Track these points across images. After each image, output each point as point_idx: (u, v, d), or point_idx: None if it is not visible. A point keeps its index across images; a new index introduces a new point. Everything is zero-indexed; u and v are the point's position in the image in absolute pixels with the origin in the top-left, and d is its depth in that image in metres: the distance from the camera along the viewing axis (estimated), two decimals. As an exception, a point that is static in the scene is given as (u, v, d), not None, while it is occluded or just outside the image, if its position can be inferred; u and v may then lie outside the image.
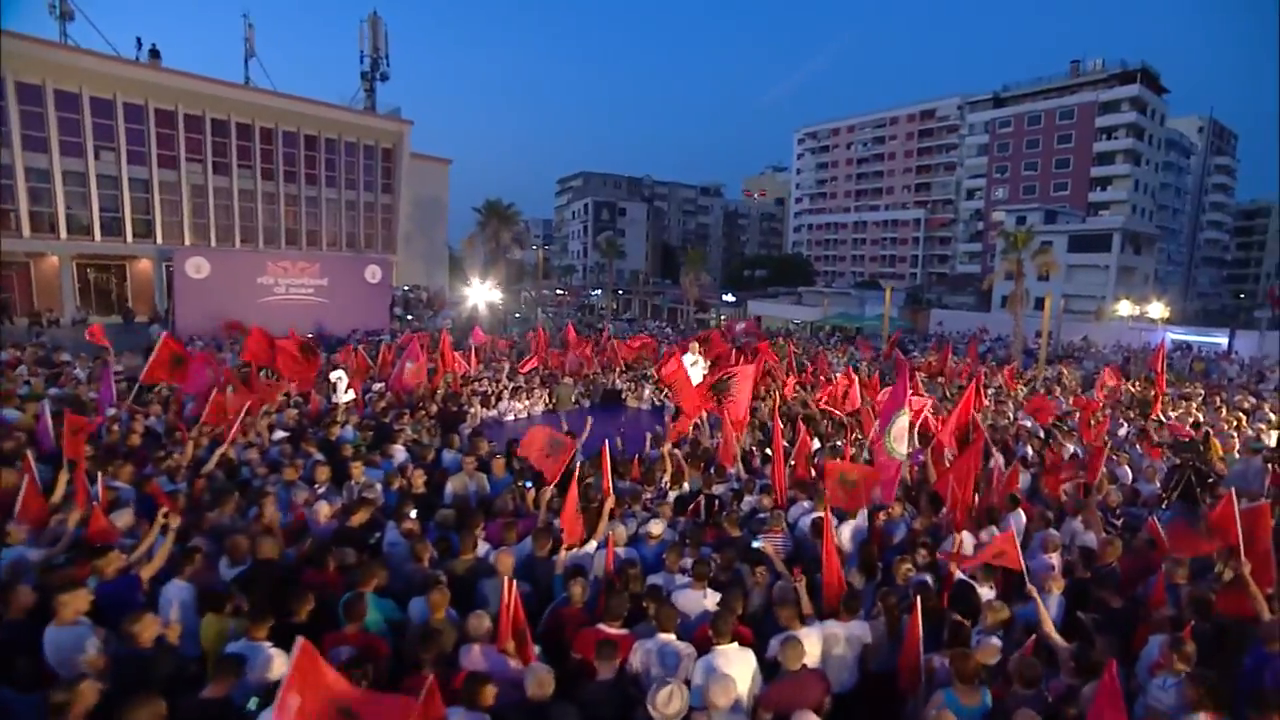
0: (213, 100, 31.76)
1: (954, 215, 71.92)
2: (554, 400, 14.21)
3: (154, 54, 31.10)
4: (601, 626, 4.32)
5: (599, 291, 74.10)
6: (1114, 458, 9.13)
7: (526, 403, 13.78)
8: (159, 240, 30.87)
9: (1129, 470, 9.18)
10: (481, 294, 30.35)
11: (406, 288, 39.37)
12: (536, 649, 4.27)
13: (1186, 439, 7.71)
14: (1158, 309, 31.87)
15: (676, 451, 8.46)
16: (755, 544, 5.75)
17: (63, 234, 28.98)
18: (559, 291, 75.04)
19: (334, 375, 10.86)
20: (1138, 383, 16.91)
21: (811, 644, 4.44)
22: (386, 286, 27.59)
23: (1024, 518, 7.10)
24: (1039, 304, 42.86)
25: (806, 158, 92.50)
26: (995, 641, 4.35)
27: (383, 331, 24.90)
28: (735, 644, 4.11)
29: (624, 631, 4.33)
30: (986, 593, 5.14)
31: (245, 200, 33.51)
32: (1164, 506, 7.41)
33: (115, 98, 29.43)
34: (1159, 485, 8.00)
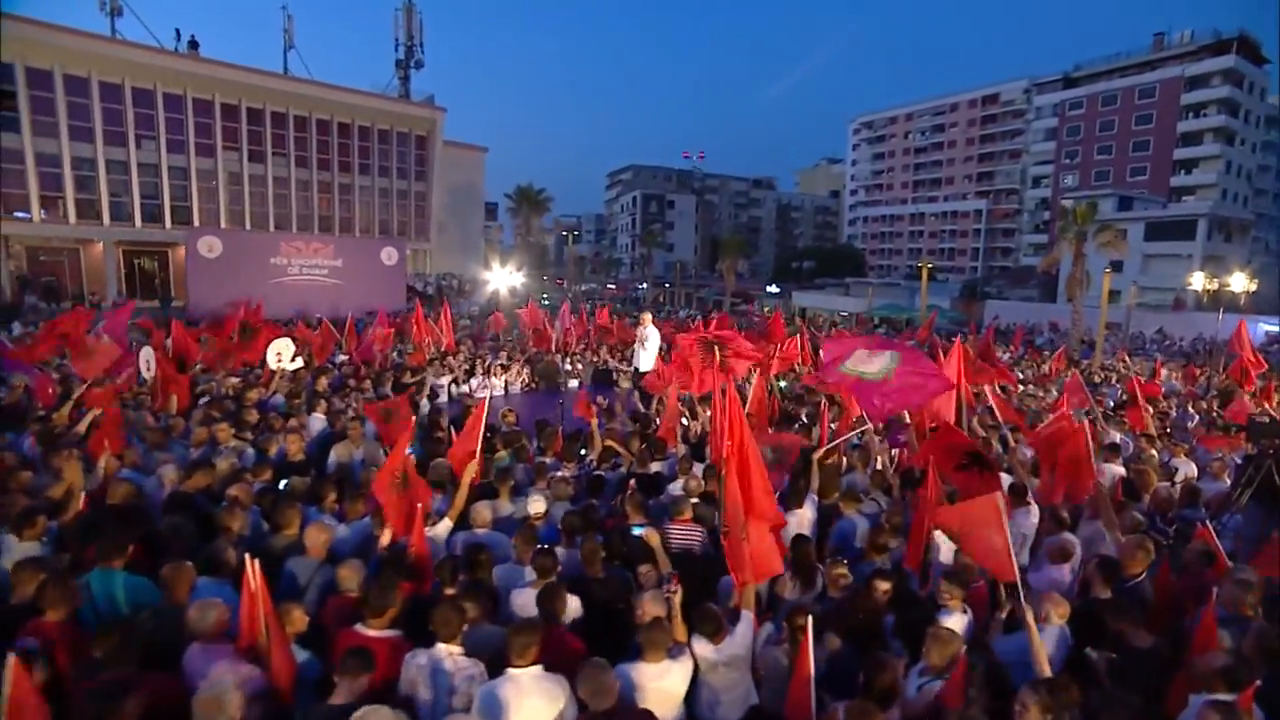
0: (248, 89, 32.23)
1: (1019, 205, 67.40)
2: (536, 378, 13.16)
3: (193, 45, 31.77)
4: (359, 628, 3.15)
5: (646, 285, 73.56)
6: (1167, 450, 7.35)
7: (503, 379, 12.77)
8: (196, 226, 31.52)
9: (1192, 465, 7.37)
10: (503, 278, 29.66)
11: (439, 274, 39.31)
12: (304, 653, 3.17)
13: (1267, 420, 5.89)
14: (1240, 280, 28.03)
15: (615, 427, 7.22)
16: (635, 531, 4.45)
17: (106, 221, 29.88)
18: (609, 285, 74.72)
19: (278, 343, 10.10)
20: (1220, 374, 14.53)
21: (673, 679, 3.17)
22: (402, 268, 27.19)
23: (1034, 516, 5.53)
24: (1113, 296, 39.48)
25: (862, 148, 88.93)
26: (933, 686, 2.96)
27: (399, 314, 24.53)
28: (537, 666, 2.88)
29: (388, 634, 3.14)
30: (958, 619, 3.70)
31: (279, 187, 33.94)
32: (1232, 510, 5.69)
33: (155, 88, 30.15)
34: (1229, 482, 6.23)
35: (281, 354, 10.15)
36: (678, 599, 3.51)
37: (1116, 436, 7.90)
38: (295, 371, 10.36)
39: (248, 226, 32.50)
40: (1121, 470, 6.93)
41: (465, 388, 12.35)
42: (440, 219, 41.06)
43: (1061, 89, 61.50)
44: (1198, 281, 32.59)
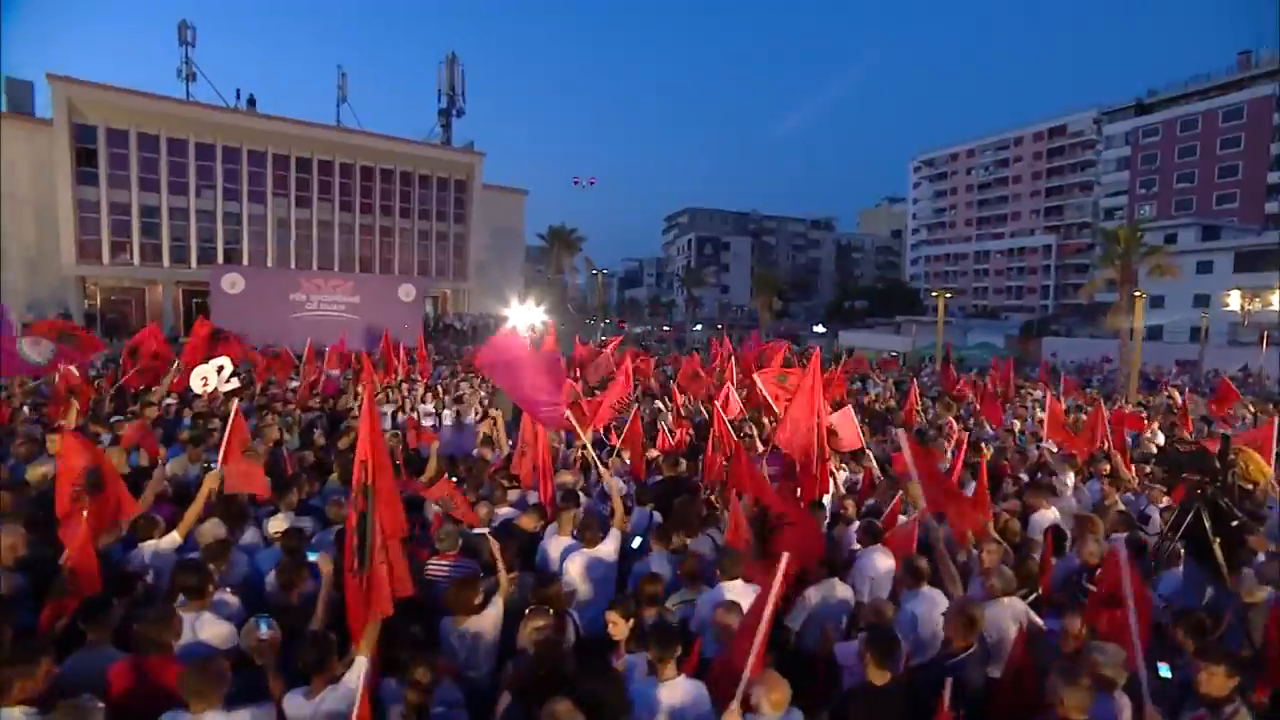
0: (299, 140, 34.43)
1: (1090, 239, 63.20)
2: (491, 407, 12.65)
3: (251, 102, 34.37)
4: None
5: (700, 326, 73.31)
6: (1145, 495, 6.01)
7: (453, 410, 12.35)
8: (221, 264, 33.33)
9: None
10: (524, 315, 29.72)
11: (476, 314, 40.03)
12: None
13: (1190, 449, 4.52)
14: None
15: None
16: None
17: (167, 263, 32.18)
18: (665, 328, 74.92)
19: (215, 362, 10.10)
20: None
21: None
22: (419, 305, 27.70)
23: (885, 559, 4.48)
24: (1194, 334, 35.68)
25: (923, 186, 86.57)
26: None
27: (415, 349, 24.84)
28: None
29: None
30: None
31: (324, 231, 35.77)
32: (1158, 566, 4.43)
33: (216, 143, 32.67)
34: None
35: (208, 378, 10.14)
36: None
37: (1070, 478, 6.53)
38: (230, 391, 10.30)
39: (293, 267, 34.26)
40: (1053, 516, 5.66)
41: (413, 414, 11.99)
42: (480, 260, 42.09)
43: (1133, 116, 57.91)
44: (1234, 301, 29.12)
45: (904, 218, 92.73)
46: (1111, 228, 24.07)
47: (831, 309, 68.05)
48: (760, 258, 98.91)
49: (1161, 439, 9.49)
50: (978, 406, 11.73)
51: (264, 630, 3.01)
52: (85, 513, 3.79)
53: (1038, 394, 15.93)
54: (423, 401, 12.69)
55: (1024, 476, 7.17)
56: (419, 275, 38.66)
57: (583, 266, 42.07)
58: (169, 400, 10.26)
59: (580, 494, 5.80)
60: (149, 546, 4.34)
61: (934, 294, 29.94)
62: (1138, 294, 15.63)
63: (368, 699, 2.66)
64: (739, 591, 3.86)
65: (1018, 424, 10.68)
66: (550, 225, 39.06)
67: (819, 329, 51.72)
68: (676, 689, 3.03)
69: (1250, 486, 4.55)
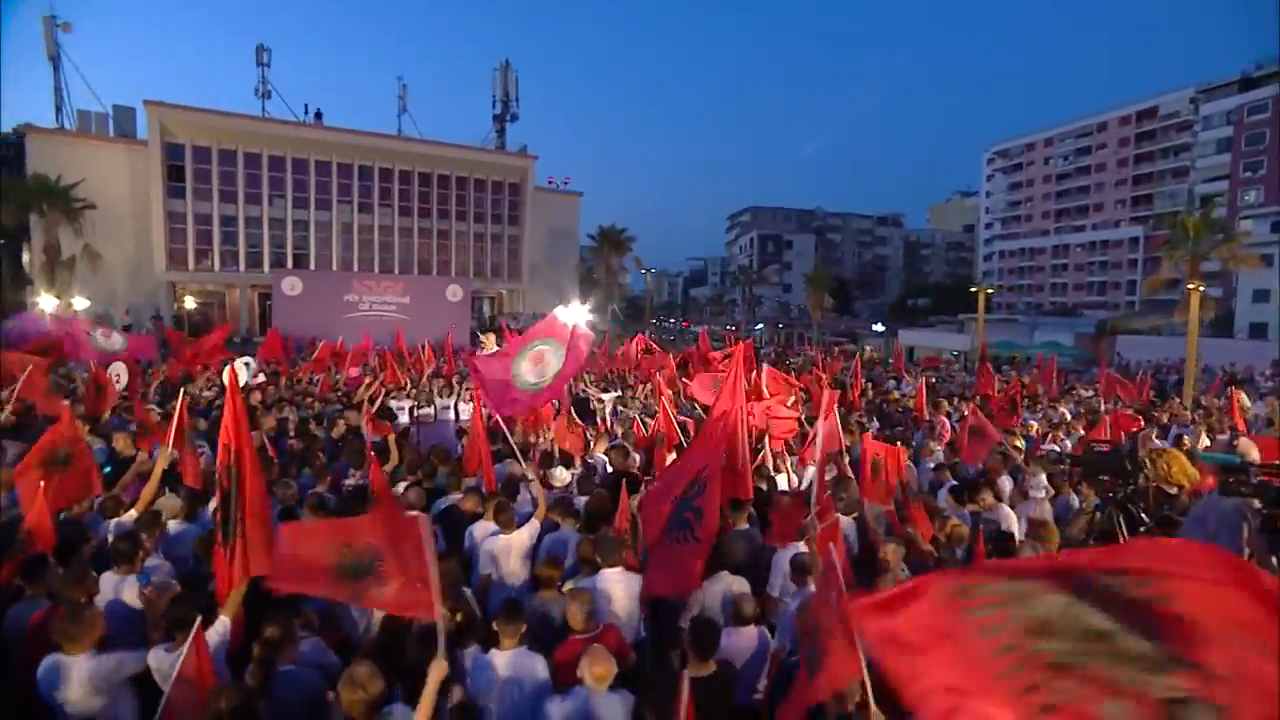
0: (361, 150, 36.35)
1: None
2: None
3: (318, 116, 36.50)
4: None
5: (761, 326, 72.63)
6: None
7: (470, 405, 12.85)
8: (279, 269, 35.39)
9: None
10: (570, 314, 30.31)
11: (528, 314, 41.03)
12: None
13: (1105, 449, 4.09)
14: None
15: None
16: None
17: (242, 268, 34.67)
18: (728, 327, 74.76)
19: (238, 361, 10.96)
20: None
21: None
22: (466, 305, 28.72)
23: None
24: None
25: (997, 179, 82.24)
26: None
27: (463, 348, 25.82)
28: None
29: None
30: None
31: (384, 235, 37.60)
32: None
33: (286, 155, 34.94)
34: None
35: (239, 372, 10.97)
36: None
37: (1042, 480, 6.16)
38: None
39: (355, 269, 36.20)
40: (1010, 520, 5.40)
41: (429, 410, 12.54)
42: (534, 261, 43.09)
43: (1236, 93, 53.03)
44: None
45: (976, 212, 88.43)
46: (1195, 216, 22.22)
47: (895, 307, 65.74)
48: (824, 256, 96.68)
49: (1154, 443, 8.78)
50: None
51: (142, 587, 3.32)
52: (42, 482, 4.28)
53: (1086, 394, 15.04)
54: (439, 396, 13.24)
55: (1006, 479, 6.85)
56: (475, 276, 40.03)
57: (632, 266, 42.28)
58: (206, 392, 11.18)
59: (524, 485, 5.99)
60: (114, 521, 4.84)
61: (973, 290, 28.59)
62: (1191, 286, 14.31)
63: (206, 652, 2.91)
64: (615, 578, 3.96)
65: (1035, 425, 10.11)
66: (600, 225, 39.62)
67: (877, 327, 50.10)
68: (513, 658, 3.16)
69: (1174, 490, 4.19)
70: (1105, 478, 3.81)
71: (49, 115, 33.87)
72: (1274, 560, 2.97)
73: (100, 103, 34.20)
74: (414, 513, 4.71)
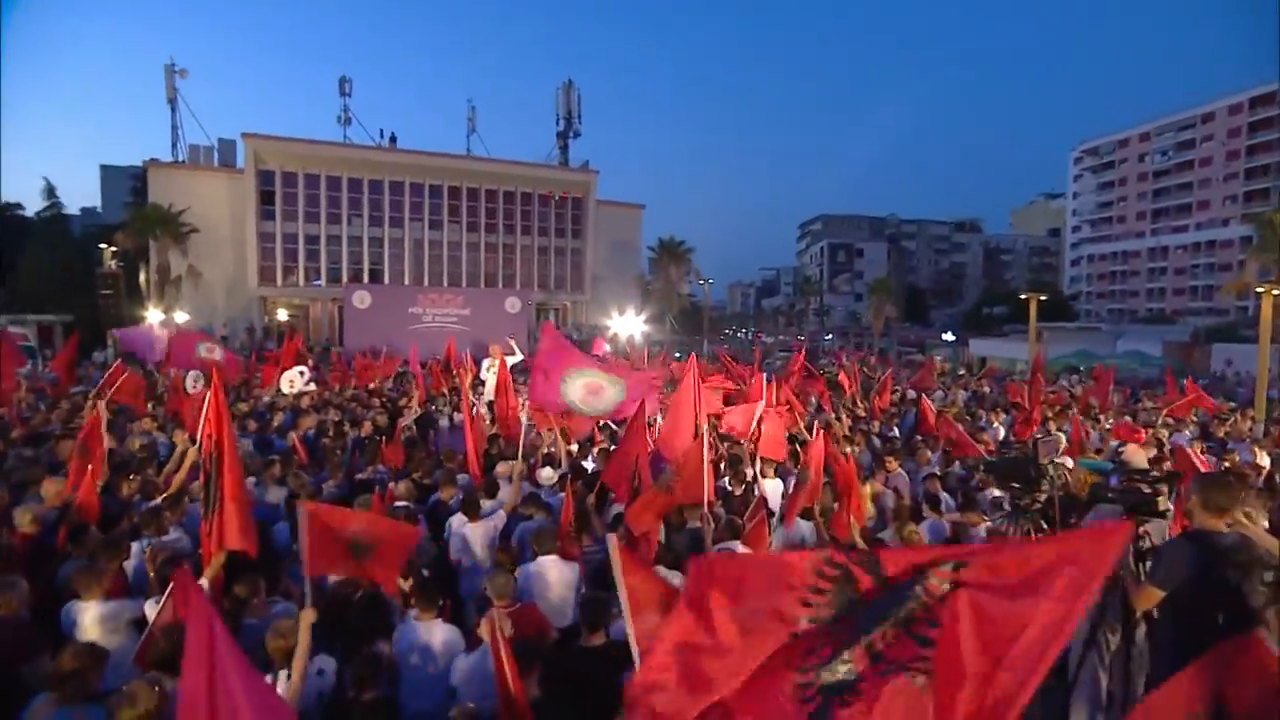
0: (432, 170, 38.54)
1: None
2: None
3: (393, 140, 38.97)
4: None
5: (830, 336, 71.28)
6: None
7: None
8: (350, 284, 37.70)
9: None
10: (625, 325, 30.96)
11: (590, 326, 41.99)
12: None
13: (1020, 457, 3.94)
14: None
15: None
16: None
17: (323, 282, 37.39)
18: (799, 337, 73.91)
19: (290, 372, 12.10)
20: None
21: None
22: (525, 316, 29.82)
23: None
24: None
25: (1086, 178, 77.46)
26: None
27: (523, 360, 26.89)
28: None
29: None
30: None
31: (453, 250, 39.60)
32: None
33: (363, 178, 37.54)
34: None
35: (294, 380, 12.13)
36: None
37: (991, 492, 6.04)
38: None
39: (425, 283, 38.29)
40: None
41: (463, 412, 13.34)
42: (597, 273, 44.12)
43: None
44: None
45: (1063, 214, 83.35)
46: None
47: (971, 315, 62.82)
48: (898, 264, 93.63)
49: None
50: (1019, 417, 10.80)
51: (144, 549, 3.98)
52: (90, 466, 5.13)
53: (1151, 406, 14.18)
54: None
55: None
56: (539, 289, 41.41)
57: (692, 277, 42.58)
58: (267, 397, 12.38)
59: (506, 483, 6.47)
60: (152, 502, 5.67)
61: (1030, 297, 27.17)
62: (1262, 289, 13.06)
63: (182, 604, 3.50)
64: (549, 565, 4.38)
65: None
66: (659, 237, 40.23)
67: (947, 336, 48.12)
68: (433, 629, 3.63)
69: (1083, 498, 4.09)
70: (1015, 485, 3.85)
71: (167, 150, 37.89)
72: (1132, 565, 3.00)
73: (208, 136, 38.02)
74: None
